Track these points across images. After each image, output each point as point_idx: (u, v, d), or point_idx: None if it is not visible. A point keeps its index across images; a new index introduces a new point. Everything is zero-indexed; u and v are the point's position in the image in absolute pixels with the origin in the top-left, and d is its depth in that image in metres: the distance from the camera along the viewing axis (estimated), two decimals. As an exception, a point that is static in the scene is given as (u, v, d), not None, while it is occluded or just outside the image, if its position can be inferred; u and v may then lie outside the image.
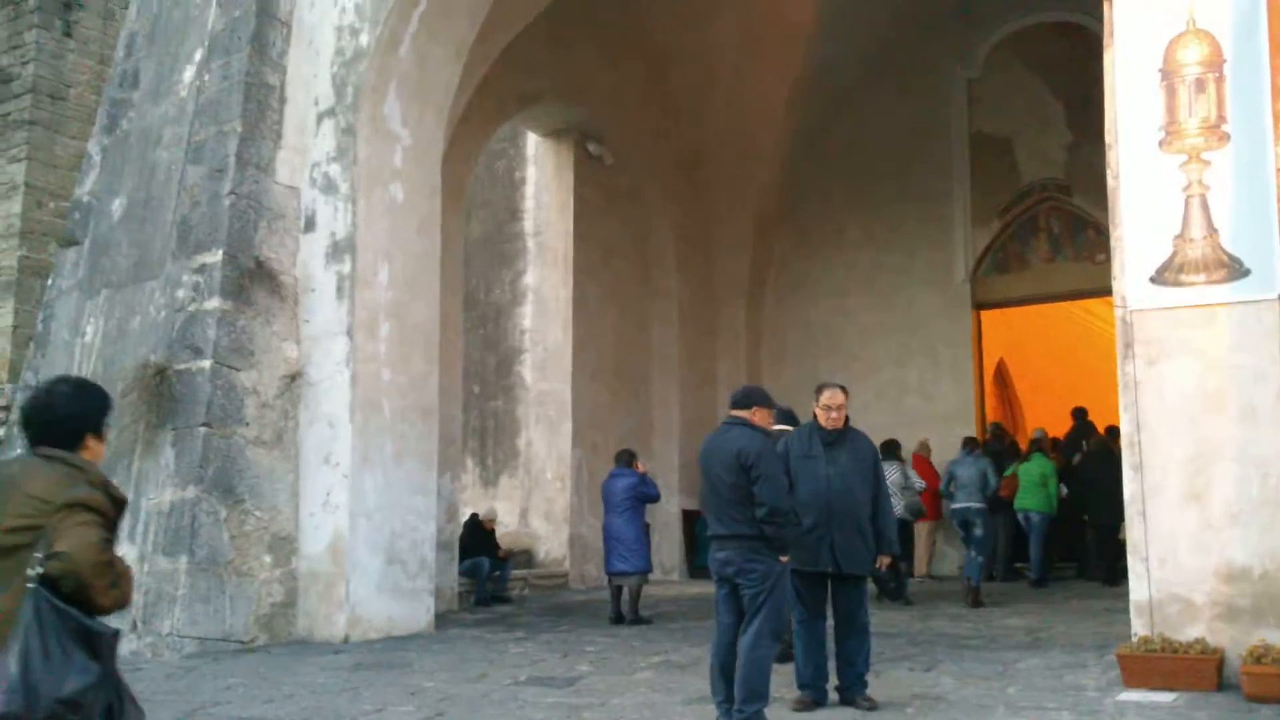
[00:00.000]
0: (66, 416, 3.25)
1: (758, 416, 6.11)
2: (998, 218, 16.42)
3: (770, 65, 16.29)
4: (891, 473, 12.75)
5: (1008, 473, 13.54)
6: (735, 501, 5.89)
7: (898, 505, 12.54)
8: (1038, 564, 13.46)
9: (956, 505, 12.83)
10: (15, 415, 11.28)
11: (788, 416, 8.58)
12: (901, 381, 16.57)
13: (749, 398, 6.22)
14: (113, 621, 3.08)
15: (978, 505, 12.62)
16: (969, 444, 13.56)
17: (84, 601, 2.95)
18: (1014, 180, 16.36)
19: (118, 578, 3.03)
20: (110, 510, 3.09)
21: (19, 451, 3.99)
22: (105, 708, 2.94)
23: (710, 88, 16.54)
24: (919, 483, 13.25)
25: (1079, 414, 15.35)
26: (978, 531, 12.39)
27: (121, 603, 3.05)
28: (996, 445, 14.74)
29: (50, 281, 12.08)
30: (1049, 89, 15.98)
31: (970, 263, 16.51)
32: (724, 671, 5.86)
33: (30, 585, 2.89)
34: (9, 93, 16.76)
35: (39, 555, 2.91)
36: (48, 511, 2.98)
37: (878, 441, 13.41)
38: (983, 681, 7.15)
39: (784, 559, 5.86)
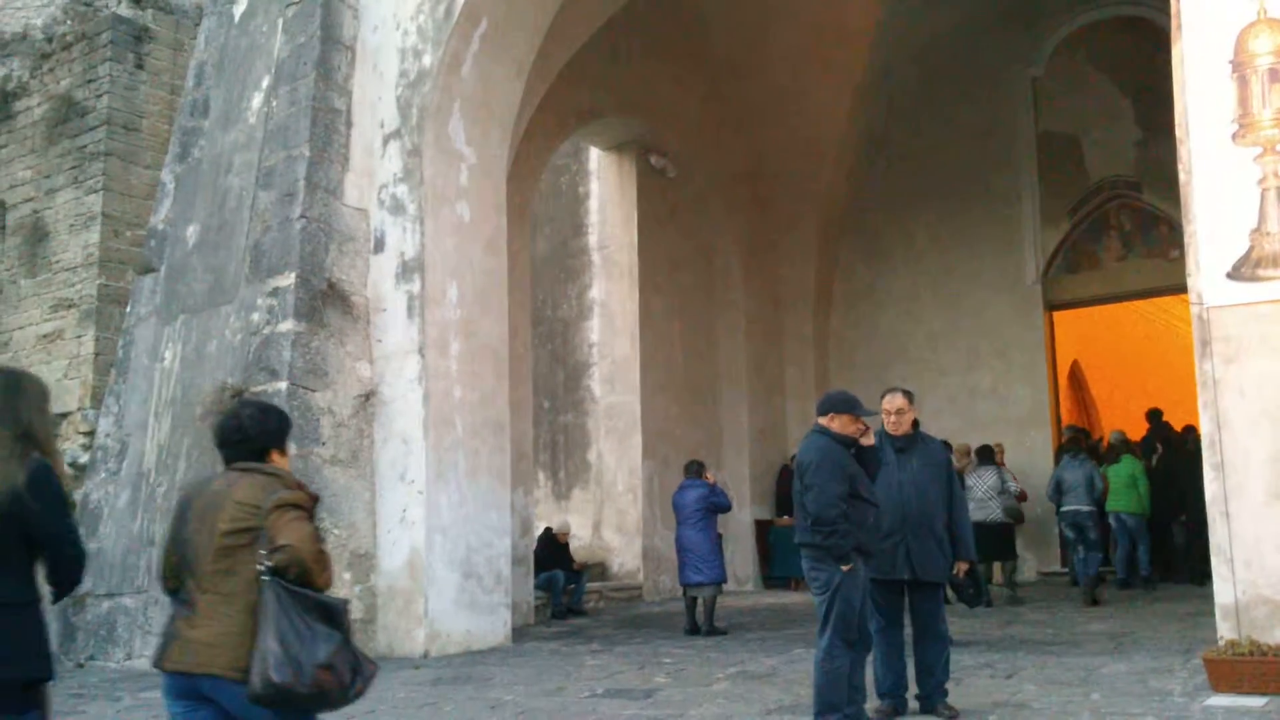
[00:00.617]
0: (256, 435, 3.68)
1: (835, 423, 6.08)
2: (1067, 217, 16.19)
3: (831, 73, 16.25)
4: (988, 477, 12.69)
5: None
6: (801, 509, 6.00)
7: (996, 510, 12.46)
8: (1145, 564, 13.40)
9: (1066, 508, 12.77)
10: (105, 443, 11.56)
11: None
12: (973, 386, 16.40)
13: (825, 404, 6.24)
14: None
15: (1088, 508, 12.59)
16: (1072, 447, 13.41)
17: (305, 585, 3.38)
18: (1082, 178, 16.13)
19: (328, 562, 3.47)
20: (311, 505, 3.54)
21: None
22: (352, 667, 3.39)
23: (771, 97, 16.51)
24: (1015, 486, 13.09)
25: (1153, 416, 15.13)
26: (1091, 535, 12.57)
27: (330, 583, 3.46)
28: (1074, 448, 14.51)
29: (129, 309, 12.37)
30: (1115, 85, 15.73)
31: (1041, 263, 16.30)
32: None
33: (264, 578, 3.34)
34: (85, 125, 17.21)
35: (264, 551, 3.36)
36: (258, 514, 3.43)
37: (974, 443, 13.48)
38: (1065, 688, 7.03)
39: (845, 568, 5.82)
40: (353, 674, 3.39)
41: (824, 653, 5.79)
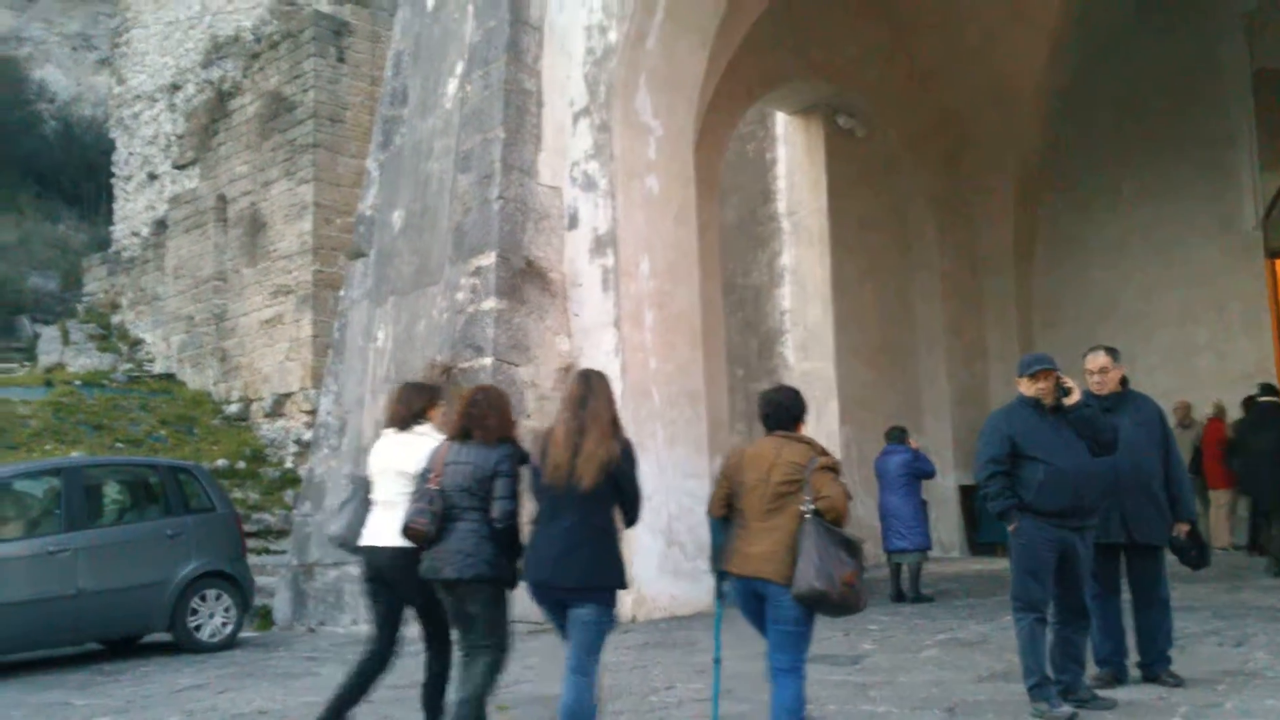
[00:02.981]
0: (792, 410, 5.03)
1: (1021, 386, 6.06)
2: (1288, 158, 15.20)
3: (1024, 19, 15.65)
4: None
5: None
6: None
7: None
8: None
9: None
10: (327, 420, 12.21)
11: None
12: (1189, 341, 15.59)
13: (1018, 369, 6.19)
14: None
15: None
16: None
17: (836, 524, 4.66)
18: (1304, 116, 15.11)
19: (849, 510, 4.77)
20: (839, 468, 4.84)
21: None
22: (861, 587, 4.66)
23: (961, 49, 16.04)
24: None
25: None
26: None
27: (847, 524, 4.74)
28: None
29: (342, 292, 13.01)
30: (1340, 13, 14.66)
31: (1261, 208, 15.32)
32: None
33: (808, 516, 4.65)
34: (294, 120, 18.14)
35: (808, 498, 4.67)
36: (803, 471, 4.73)
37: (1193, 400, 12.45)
38: (1300, 656, 6.71)
39: (1010, 528, 5.81)
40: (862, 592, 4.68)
41: (1013, 614, 5.86)
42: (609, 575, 4.87)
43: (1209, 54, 15.61)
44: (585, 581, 4.81)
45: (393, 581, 5.55)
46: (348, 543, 5.72)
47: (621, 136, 10.86)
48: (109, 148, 23.80)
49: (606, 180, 10.80)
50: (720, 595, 5.04)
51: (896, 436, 11.45)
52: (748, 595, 4.85)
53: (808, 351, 16.09)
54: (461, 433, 5.27)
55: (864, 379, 15.86)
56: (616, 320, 10.51)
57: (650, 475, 10.31)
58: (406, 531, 5.18)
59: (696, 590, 10.52)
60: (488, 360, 10.26)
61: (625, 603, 9.93)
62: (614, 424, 4.96)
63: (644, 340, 10.65)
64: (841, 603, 4.61)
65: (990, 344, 17.17)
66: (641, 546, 10.13)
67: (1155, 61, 15.85)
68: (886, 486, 11.14)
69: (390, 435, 5.71)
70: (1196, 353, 15.48)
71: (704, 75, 11.70)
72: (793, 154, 16.58)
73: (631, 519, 5.01)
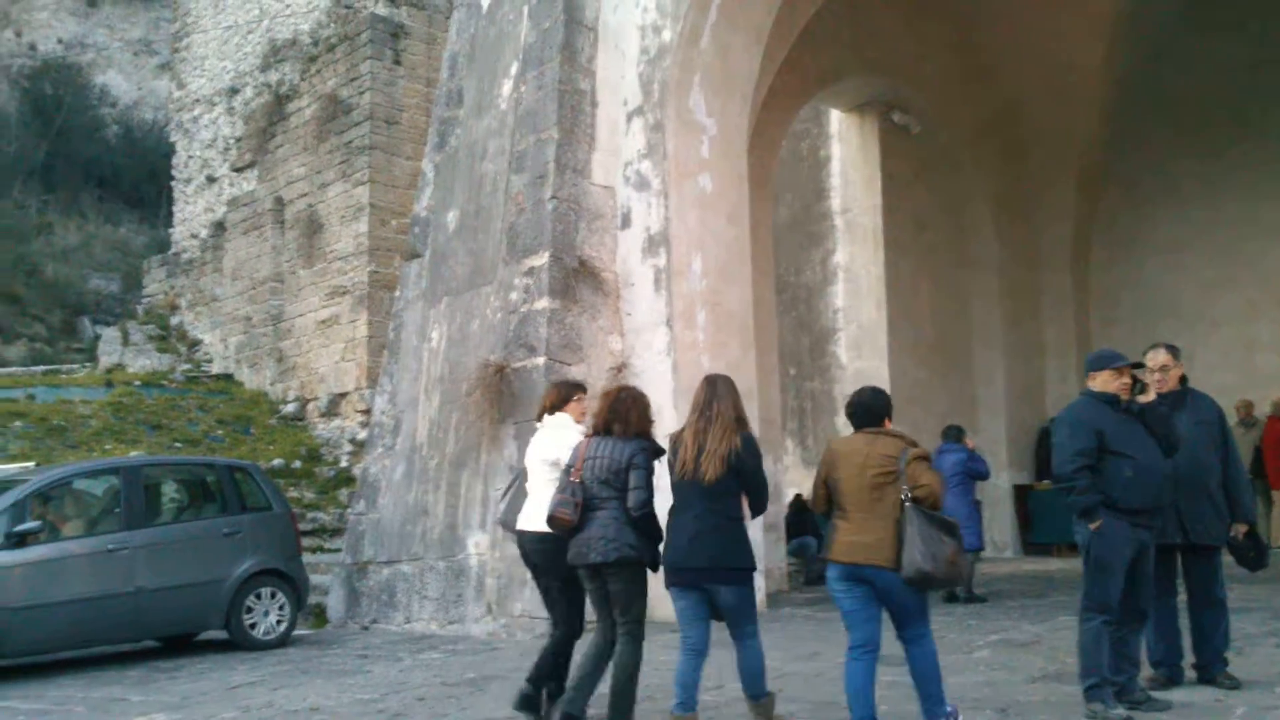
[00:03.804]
0: (877, 409, 5.37)
1: (1096, 382, 5.97)
2: (1356, 152, 14.87)
3: (1083, 13, 15.43)
4: None
5: None
6: None
7: None
8: None
9: None
10: (381, 420, 12.30)
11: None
12: (1251, 339, 15.33)
13: (1087, 364, 6.15)
14: None
15: None
16: None
17: (933, 509, 5.09)
18: (1371, 108, 14.77)
19: (944, 494, 5.28)
20: (930, 458, 5.30)
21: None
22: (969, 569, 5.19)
23: (1019, 43, 15.84)
24: None
25: None
26: None
27: (939, 507, 5.18)
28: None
29: (397, 293, 13.11)
30: None
31: (1324, 204, 15.04)
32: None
33: (908, 504, 5.05)
34: (350, 122, 18.31)
35: (907, 488, 5.08)
36: (894, 463, 5.13)
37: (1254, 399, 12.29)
38: (1366, 661, 6.55)
39: (1092, 525, 5.69)
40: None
41: (1079, 616, 5.77)
42: (735, 557, 5.39)
43: (1271, 46, 15.31)
44: (712, 563, 5.35)
45: (536, 563, 6.05)
46: (508, 524, 6.37)
47: (675, 135, 10.85)
48: (169, 151, 24.18)
49: (659, 180, 10.79)
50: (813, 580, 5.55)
51: (953, 435, 11.34)
52: (852, 581, 5.19)
53: (860, 350, 15.99)
54: (603, 428, 5.78)
55: (917, 377, 15.73)
56: (669, 319, 10.50)
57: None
58: (551, 521, 5.68)
59: (749, 590, 10.46)
60: (540, 360, 10.29)
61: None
62: (737, 421, 5.46)
63: (696, 339, 10.63)
64: (947, 579, 5.08)
65: (1048, 341, 17.00)
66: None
67: (1215, 56, 15.58)
68: (940, 485, 11.02)
69: (540, 427, 6.35)
70: (1258, 350, 15.23)
71: (758, 73, 11.66)
72: (847, 151, 16.49)
73: (758, 508, 5.54)
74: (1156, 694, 5.89)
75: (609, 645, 5.83)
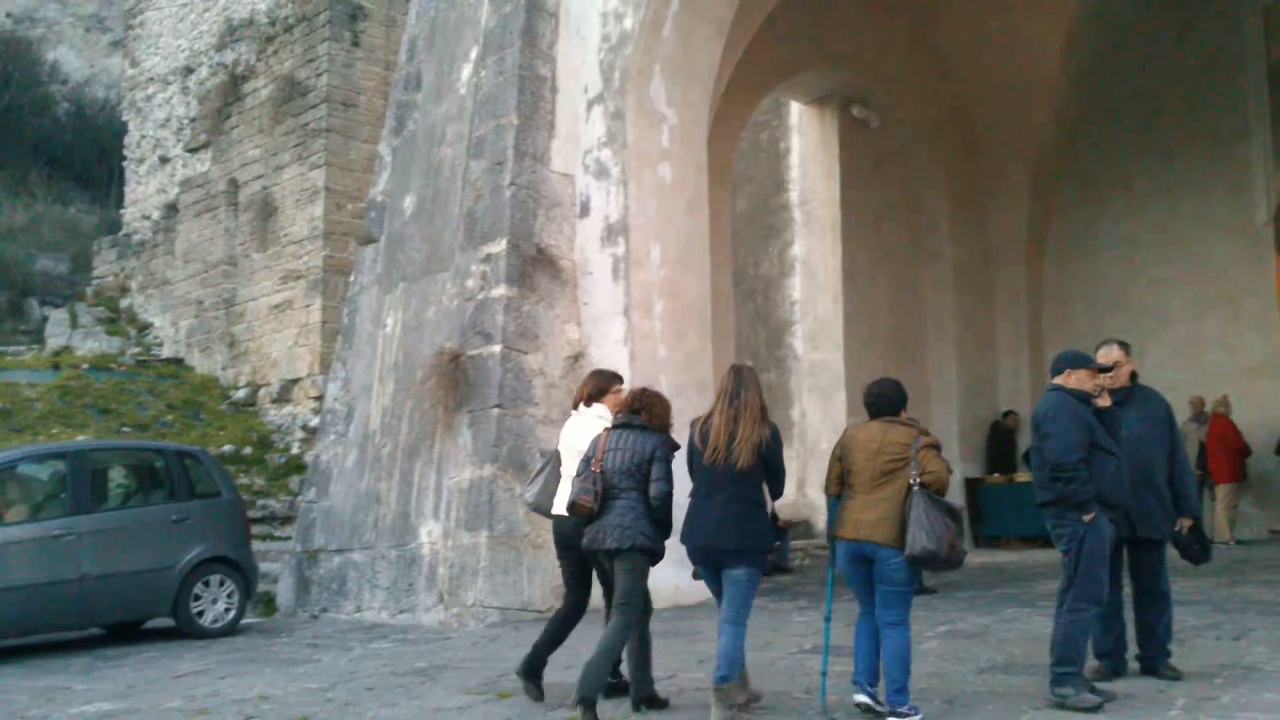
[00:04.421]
0: (894, 399, 5.79)
1: (1072, 379, 6.03)
2: (1302, 154, 15.10)
3: (1041, 11, 15.56)
4: None
5: None
6: (1039, 467, 5.92)
7: None
8: None
9: None
10: (334, 406, 12.18)
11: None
12: (1199, 335, 15.54)
13: (1058, 363, 6.18)
14: None
15: None
16: None
17: (939, 494, 5.46)
18: (1321, 113, 15.00)
19: (949, 481, 5.62)
20: (939, 446, 5.67)
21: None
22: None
23: (978, 40, 15.95)
24: None
25: None
26: None
27: (945, 493, 5.55)
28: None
29: (352, 278, 12.98)
30: (1361, 9, 14.52)
31: (1272, 205, 15.26)
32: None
33: (915, 488, 5.43)
34: (307, 104, 18.09)
35: (914, 473, 5.46)
36: (906, 450, 5.53)
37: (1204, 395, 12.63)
38: (1303, 652, 6.66)
39: (1086, 517, 5.75)
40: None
41: (1068, 607, 5.76)
42: (760, 539, 5.71)
43: (1226, 47, 15.53)
44: (741, 545, 5.63)
45: (577, 545, 6.24)
46: (541, 509, 6.64)
47: (635, 124, 10.80)
48: (121, 130, 23.78)
49: (619, 168, 10.74)
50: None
51: (906, 429, 11.37)
52: (857, 559, 5.62)
53: (817, 342, 16.05)
54: (622, 423, 6.11)
55: (873, 370, 15.75)
56: (626, 309, 10.47)
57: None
58: (573, 508, 6.01)
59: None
60: (496, 348, 10.22)
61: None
62: (763, 411, 5.78)
63: (653, 329, 10.61)
64: (949, 560, 5.39)
65: (1001, 336, 17.15)
66: (648, 536, 10.08)
67: (1171, 54, 15.78)
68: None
69: (574, 416, 6.63)
70: (1206, 348, 15.44)
71: (719, 63, 11.63)
72: (806, 144, 16.52)
73: (777, 492, 5.90)
74: (1101, 685, 5.95)
75: (575, 613, 6.40)
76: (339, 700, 6.71)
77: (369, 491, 11.11)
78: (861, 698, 5.63)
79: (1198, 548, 6.58)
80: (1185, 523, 6.51)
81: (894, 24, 15.60)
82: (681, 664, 7.28)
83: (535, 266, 10.61)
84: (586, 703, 5.68)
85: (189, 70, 21.36)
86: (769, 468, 5.76)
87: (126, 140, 23.08)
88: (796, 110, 16.61)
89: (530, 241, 10.64)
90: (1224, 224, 15.51)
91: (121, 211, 23.67)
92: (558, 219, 10.94)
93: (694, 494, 5.84)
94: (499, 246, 10.54)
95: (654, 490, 5.91)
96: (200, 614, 9.89)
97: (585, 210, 10.97)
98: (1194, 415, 14.08)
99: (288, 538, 13.22)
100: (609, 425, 6.22)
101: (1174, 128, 15.82)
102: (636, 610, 5.97)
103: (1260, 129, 15.33)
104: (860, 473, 5.64)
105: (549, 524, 10.09)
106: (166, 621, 10.07)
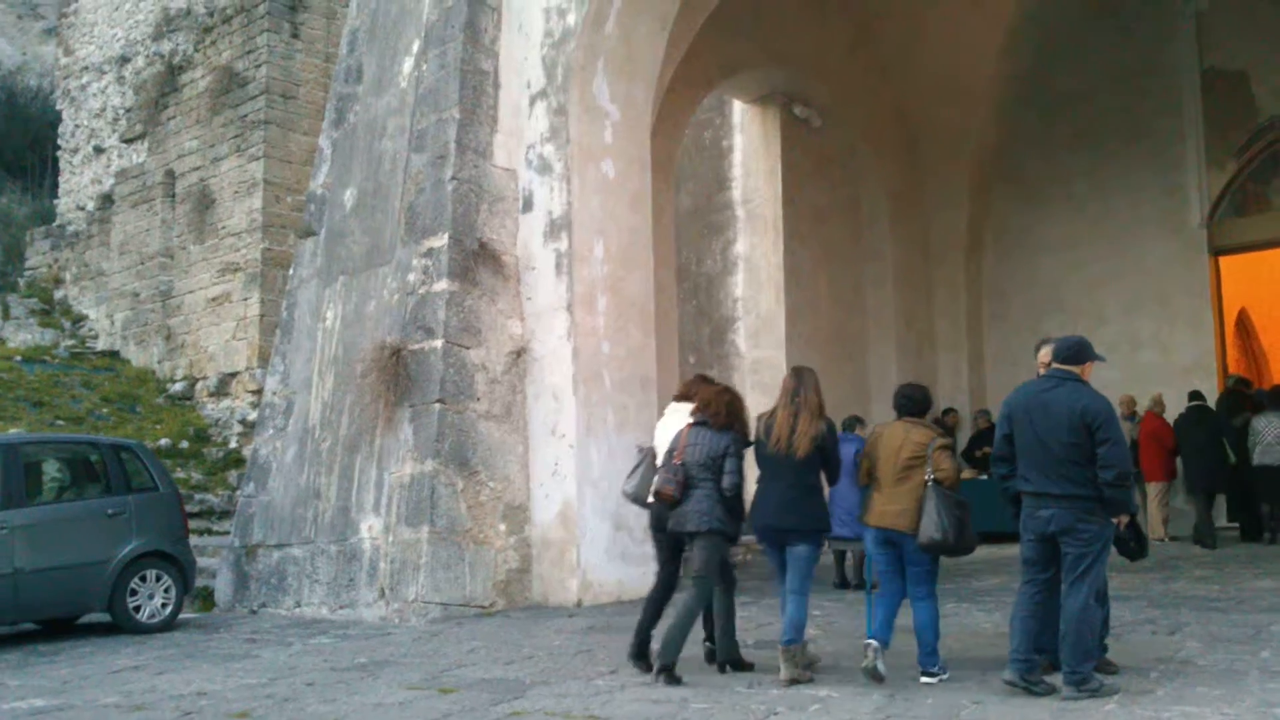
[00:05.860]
0: (920, 402, 6.62)
1: (1088, 372, 6.09)
2: (1234, 157, 15.43)
3: (982, 12, 15.75)
4: (1278, 422, 12.62)
5: None
6: (1073, 461, 5.82)
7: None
8: None
9: (1265, 463, 12.54)
10: (273, 400, 12.09)
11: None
12: (1134, 334, 15.82)
13: (1083, 352, 6.11)
14: None
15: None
16: (1274, 399, 13.10)
17: (951, 489, 6.19)
18: (1251, 116, 15.33)
19: (959, 478, 6.36)
20: (953, 446, 6.32)
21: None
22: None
23: (919, 41, 16.12)
24: None
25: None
26: None
27: (956, 488, 6.29)
28: (1230, 401, 13.98)
29: (291, 271, 12.85)
30: (1289, 17, 14.86)
31: (1206, 206, 15.58)
32: (1025, 626, 5.96)
33: (930, 484, 6.18)
34: (245, 95, 17.88)
35: (929, 469, 6.20)
36: (925, 449, 6.26)
37: (1136, 394, 12.85)
38: (1233, 645, 6.83)
39: (1123, 520, 6.11)
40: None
41: (1081, 603, 5.77)
42: (818, 519, 6.52)
43: (1160, 52, 15.83)
44: (800, 524, 6.44)
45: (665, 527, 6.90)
46: (639, 499, 7.14)
47: (578, 120, 10.81)
48: (55, 119, 23.35)
49: (562, 164, 10.74)
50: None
51: (851, 425, 11.49)
52: (883, 542, 6.39)
53: (759, 339, 16.14)
54: (701, 420, 6.82)
55: (815, 367, 15.83)
56: (569, 304, 10.47)
57: (600, 459, 10.34)
58: (658, 495, 6.74)
59: (645, 575, 10.49)
60: (438, 342, 10.19)
61: (571, 587, 9.97)
62: (820, 408, 6.57)
63: (596, 325, 10.62)
64: (957, 547, 6.15)
65: (940, 334, 17.33)
66: (589, 530, 10.12)
67: (1108, 58, 16.05)
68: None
69: (669, 413, 7.32)
70: (1141, 347, 15.70)
71: (663, 60, 11.66)
72: (749, 142, 16.60)
73: (834, 479, 6.72)
74: (1048, 679, 6.04)
75: (667, 589, 7.03)
76: (278, 696, 6.66)
77: (309, 486, 11.02)
78: (871, 641, 6.30)
79: (1134, 544, 6.66)
80: (1122, 519, 6.60)
81: (834, 24, 15.73)
82: (624, 659, 7.29)
83: (477, 261, 10.58)
84: (668, 670, 6.37)
85: (125, 60, 21.03)
86: (825, 457, 6.54)
87: (61, 129, 22.68)
88: (739, 109, 16.69)
89: (472, 236, 10.61)
90: (1159, 224, 15.80)
91: (55, 202, 23.25)
92: (500, 214, 10.92)
93: (759, 480, 6.63)
94: (440, 241, 10.50)
95: (726, 482, 6.62)
96: (137, 609, 9.76)
97: (528, 205, 10.96)
98: (1125, 414, 14.34)
99: (226, 532, 13.09)
100: (690, 422, 6.89)
101: (1111, 129, 16.09)
102: (711, 584, 6.63)
103: (1194, 132, 15.64)
104: (884, 467, 6.40)
105: (491, 518, 10.17)
106: (102, 617, 9.93)
